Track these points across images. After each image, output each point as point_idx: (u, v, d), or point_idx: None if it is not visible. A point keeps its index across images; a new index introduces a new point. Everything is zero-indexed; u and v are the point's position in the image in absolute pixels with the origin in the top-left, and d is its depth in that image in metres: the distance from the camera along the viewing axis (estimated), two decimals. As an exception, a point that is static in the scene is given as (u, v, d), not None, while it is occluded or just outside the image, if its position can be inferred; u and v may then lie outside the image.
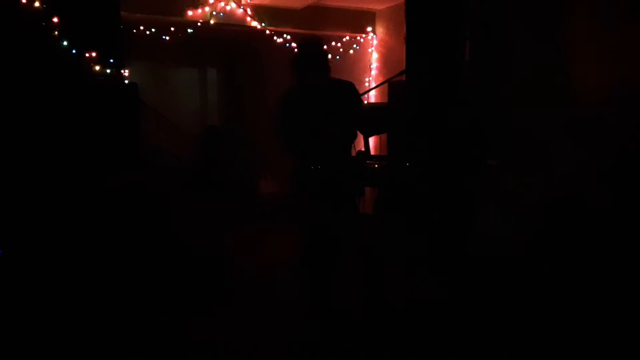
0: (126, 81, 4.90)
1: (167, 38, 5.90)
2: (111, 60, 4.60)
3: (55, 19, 4.23)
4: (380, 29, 6.96)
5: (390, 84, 5.53)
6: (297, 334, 3.22)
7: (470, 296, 3.54)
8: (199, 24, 5.94)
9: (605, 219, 3.24)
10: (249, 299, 3.83)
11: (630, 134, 3.23)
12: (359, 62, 6.95)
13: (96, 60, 4.50)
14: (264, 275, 4.28)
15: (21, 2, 4.09)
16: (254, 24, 6.23)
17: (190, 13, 5.85)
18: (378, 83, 6.86)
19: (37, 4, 4.16)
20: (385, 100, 6.10)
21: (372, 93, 6.58)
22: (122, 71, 4.83)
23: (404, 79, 4.44)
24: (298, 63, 3.15)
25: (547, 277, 3.35)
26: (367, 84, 6.88)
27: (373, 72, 6.97)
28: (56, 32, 4.22)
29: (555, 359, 2.91)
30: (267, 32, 6.33)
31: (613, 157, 3.28)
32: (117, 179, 4.11)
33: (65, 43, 4.27)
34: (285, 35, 6.46)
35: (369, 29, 6.95)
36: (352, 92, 3.22)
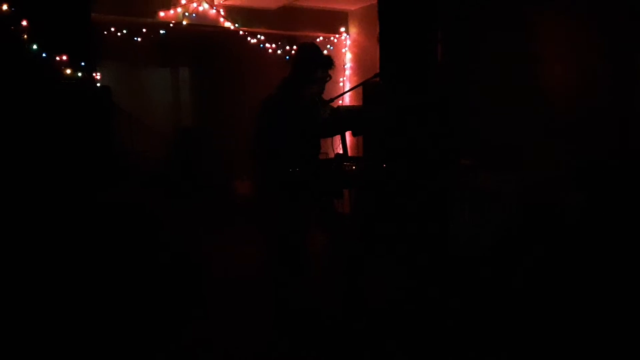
0: (98, 84, 4.84)
1: (139, 39, 5.83)
2: (82, 64, 4.52)
3: (24, 22, 4.13)
4: (353, 30, 7.01)
5: (364, 86, 5.57)
6: (274, 335, 3.25)
7: (450, 295, 3.60)
8: (171, 25, 5.88)
9: (577, 221, 3.34)
10: (228, 301, 3.83)
11: (600, 138, 3.34)
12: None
13: (67, 64, 4.42)
14: (242, 277, 4.27)
15: (-12, 5, 4.00)
16: (227, 24, 6.19)
17: (162, 14, 5.77)
18: (352, 83, 6.92)
19: (5, 7, 4.05)
20: (360, 102, 6.15)
21: (346, 95, 6.61)
22: (94, 74, 4.76)
23: (378, 80, 4.49)
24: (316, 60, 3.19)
25: (522, 276, 3.43)
26: (341, 84, 6.93)
27: (347, 72, 7.02)
28: (25, 36, 4.13)
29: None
30: (241, 32, 6.31)
31: (584, 160, 3.38)
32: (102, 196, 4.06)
33: (34, 47, 4.18)
34: (259, 36, 6.45)
35: (342, 29, 6.99)
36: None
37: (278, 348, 3.11)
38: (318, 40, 6.85)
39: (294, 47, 6.62)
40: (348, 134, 3.57)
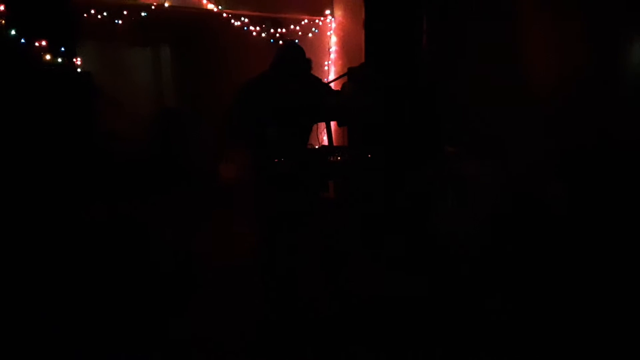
0: (79, 70, 4.74)
1: (120, 22, 5.69)
2: (62, 49, 4.43)
3: (1, 7, 4.01)
4: (338, 12, 6.93)
5: (349, 75, 5.53)
6: (266, 326, 3.27)
7: (435, 287, 3.65)
8: (152, 7, 5.75)
9: (560, 210, 3.40)
10: (221, 295, 3.82)
11: (583, 127, 3.39)
12: (318, 46, 6.90)
13: (46, 49, 4.32)
14: (235, 270, 4.23)
15: (-38, -11, 3.87)
16: (211, 6, 6.08)
17: (143, -5, 5.65)
18: (336, 67, 6.88)
19: (-20, -9, 3.94)
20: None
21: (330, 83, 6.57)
22: (75, 59, 4.66)
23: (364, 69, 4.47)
24: (282, 66, 3.16)
25: (507, 265, 3.49)
26: (326, 68, 6.88)
27: (332, 56, 6.97)
28: (3, 21, 4.02)
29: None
30: (224, 14, 6.20)
31: (566, 151, 3.43)
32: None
33: (13, 32, 4.08)
34: (243, 18, 6.34)
35: (327, 11, 6.91)
36: (319, 87, 3.30)
37: (273, 344, 3.10)
38: (303, 22, 6.77)
39: (279, 30, 6.54)
40: (333, 124, 3.58)
